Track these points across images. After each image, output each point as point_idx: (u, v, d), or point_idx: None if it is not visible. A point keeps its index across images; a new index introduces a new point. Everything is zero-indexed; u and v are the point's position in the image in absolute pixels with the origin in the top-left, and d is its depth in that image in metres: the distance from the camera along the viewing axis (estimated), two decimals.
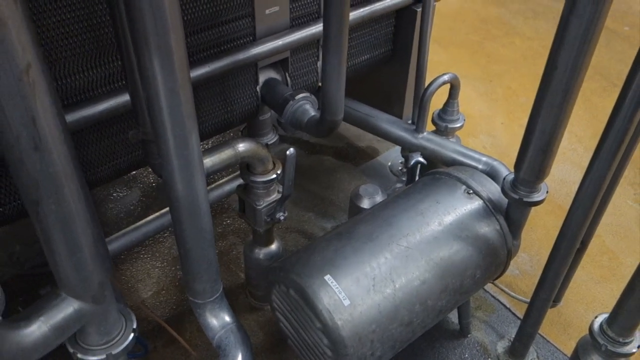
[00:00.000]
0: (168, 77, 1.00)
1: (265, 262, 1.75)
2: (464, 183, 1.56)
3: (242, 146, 1.45)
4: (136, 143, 1.36)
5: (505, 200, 1.53)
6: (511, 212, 1.52)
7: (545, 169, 1.37)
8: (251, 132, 1.89)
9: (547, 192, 1.45)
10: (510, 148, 2.50)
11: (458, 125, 1.96)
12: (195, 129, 1.11)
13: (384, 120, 1.99)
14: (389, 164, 2.42)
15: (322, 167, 2.35)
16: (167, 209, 1.92)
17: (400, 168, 2.37)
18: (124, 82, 1.39)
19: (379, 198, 1.79)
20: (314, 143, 2.49)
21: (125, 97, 1.35)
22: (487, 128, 2.63)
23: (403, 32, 2.04)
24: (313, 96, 1.73)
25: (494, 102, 2.76)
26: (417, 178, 2.04)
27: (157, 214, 1.98)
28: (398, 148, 2.39)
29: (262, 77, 1.73)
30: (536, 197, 1.43)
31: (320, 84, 1.90)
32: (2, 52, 0.71)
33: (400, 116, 2.19)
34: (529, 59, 3.09)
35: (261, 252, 1.73)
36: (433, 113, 1.97)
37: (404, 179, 2.32)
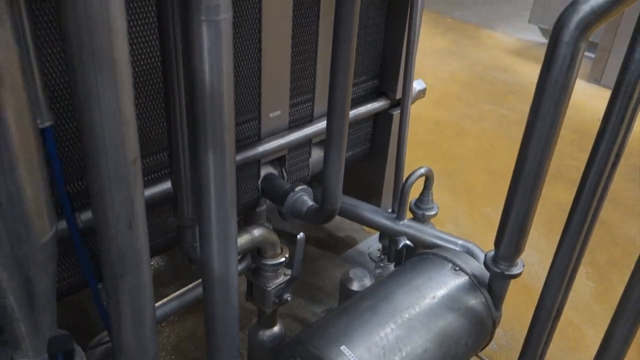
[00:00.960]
0: (220, 169, 1.18)
1: (268, 344, 1.85)
2: (450, 261, 1.77)
3: (256, 232, 1.61)
4: (172, 229, 1.51)
5: (486, 275, 1.73)
6: (493, 286, 1.72)
7: (521, 245, 1.60)
8: (248, 222, 2.06)
9: (523, 265, 1.67)
10: (474, 233, 2.75)
11: (433, 212, 2.19)
12: (235, 214, 1.28)
13: (367, 210, 2.21)
14: (368, 251, 2.61)
15: (307, 256, 2.50)
16: (171, 296, 2.01)
17: (378, 255, 2.56)
18: (162, 173, 1.56)
19: (367, 281, 1.96)
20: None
21: (163, 186, 1.52)
22: (452, 217, 2.89)
23: (380, 132, 2.31)
24: (309, 188, 1.94)
25: (455, 194, 3.05)
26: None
27: (160, 302, 2.06)
28: (375, 237, 2.60)
29: (263, 172, 1.93)
30: (515, 270, 1.64)
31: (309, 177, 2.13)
32: (122, 146, 0.89)
33: (378, 206, 2.41)
34: (480, 156, 3.45)
35: (265, 334, 1.84)
36: (410, 202, 2.20)
37: (382, 264, 2.51)
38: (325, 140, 1.68)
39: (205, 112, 1.11)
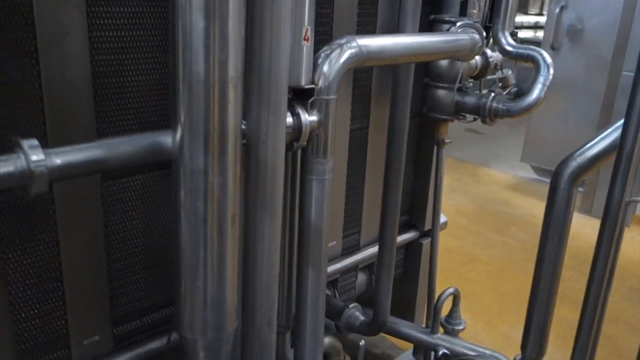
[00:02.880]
0: (316, 284, 1.58)
1: None
2: None
3: (326, 340, 1.97)
4: None
5: None
6: None
7: (544, 347, 1.96)
8: None
9: None
10: (495, 347, 3.06)
11: (461, 327, 2.55)
12: (323, 321, 1.66)
13: (405, 326, 2.56)
14: None
15: None
16: None
17: None
18: None
19: None
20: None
21: None
22: (472, 335, 3.21)
23: (412, 258, 2.73)
24: (359, 305, 2.32)
25: (473, 314, 3.39)
26: None
27: None
28: (409, 352, 2.91)
29: None
30: None
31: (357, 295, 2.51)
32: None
33: (413, 322, 2.77)
34: (491, 279, 3.84)
35: None
36: (440, 319, 2.56)
37: None
38: (377, 264, 2.10)
39: (310, 242, 1.55)
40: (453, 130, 2.68)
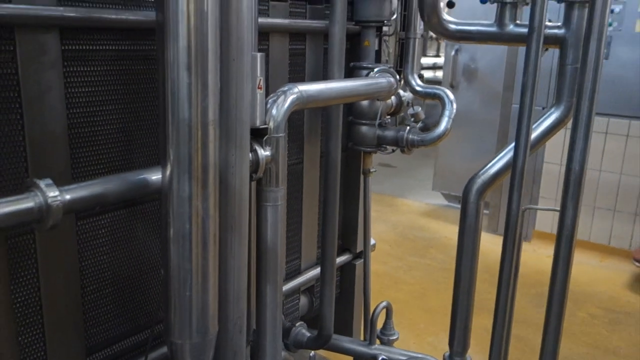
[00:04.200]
0: (273, 298, 1.81)
1: None
2: None
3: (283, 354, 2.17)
4: None
5: None
6: None
7: (467, 342, 2.27)
8: None
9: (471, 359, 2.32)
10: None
11: (395, 337, 2.83)
12: (280, 333, 1.87)
13: (345, 341, 2.79)
14: None
15: None
16: None
17: None
18: None
19: None
20: None
21: None
22: (404, 345, 3.48)
23: (346, 279, 3.00)
24: (304, 323, 2.54)
25: (403, 329, 3.69)
26: None
27: None
28: None
29: None
30: None
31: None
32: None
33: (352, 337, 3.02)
34: (416, 298, 4.18)
35: None
36: (377, 331, 2.83)
37: None
38: (320, 284, 2.35)
39: (267, 261, 1.78)
40: None
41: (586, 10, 1.94)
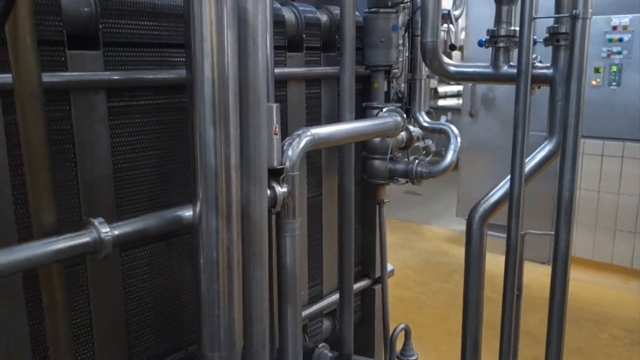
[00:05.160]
0: (293, 319, 2.02)
1: None
2: None
3: None
4: None
5: None
6: None
7: (478, 355, 2.42)
8: None
9: None
10: None
11: (414, 358, 2.99)
12: (301, 353, 2.08)
13: None
14: None
15: None
16: None
17: None
18: None
19: None
20: None
21: None
22: None
23: (367, 303, 3.18)
24: (327, 344, 2.73)
25: (426, 352, 3.84)
26: None
27: None
28: None
29: None
30: None
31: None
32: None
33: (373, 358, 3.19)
34: (438, 322, 4.32)
35: None
36: (396, 352, 3.00)
37: None
38: (340, 308, 2.55)
39: (287, 284, 2.00)
40: (395, 193, 3.22)
41: None
